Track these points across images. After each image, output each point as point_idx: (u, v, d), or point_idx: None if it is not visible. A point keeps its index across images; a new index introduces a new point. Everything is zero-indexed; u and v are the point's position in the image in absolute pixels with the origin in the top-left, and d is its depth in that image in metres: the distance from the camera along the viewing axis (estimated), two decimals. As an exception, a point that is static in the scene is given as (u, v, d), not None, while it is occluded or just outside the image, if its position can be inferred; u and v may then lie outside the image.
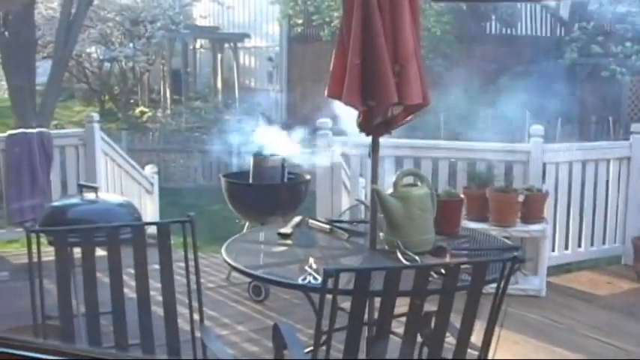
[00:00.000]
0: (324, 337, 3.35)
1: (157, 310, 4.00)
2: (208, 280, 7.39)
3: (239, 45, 24.24)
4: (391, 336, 3.44)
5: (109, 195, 7.62)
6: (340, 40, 4.21)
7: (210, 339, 4.06)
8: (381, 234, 4.30)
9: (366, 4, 4.04)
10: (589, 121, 20.13)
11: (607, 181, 7.98)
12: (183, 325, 4.10)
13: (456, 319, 3.39)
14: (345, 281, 3.30)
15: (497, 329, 3.45)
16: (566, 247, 7.87)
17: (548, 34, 22.80)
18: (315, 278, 3.66)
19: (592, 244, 8.01)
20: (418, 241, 4.13)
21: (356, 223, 5.03)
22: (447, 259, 3.96)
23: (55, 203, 6.42)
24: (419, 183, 4.34)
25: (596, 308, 6.86)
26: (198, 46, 25.87)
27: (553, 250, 7.69)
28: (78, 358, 1.57)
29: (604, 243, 8.08)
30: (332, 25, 20.02)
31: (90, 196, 5.92)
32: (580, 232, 7.91)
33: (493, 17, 22.62)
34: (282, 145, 7.11)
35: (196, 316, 4.12)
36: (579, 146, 8.34)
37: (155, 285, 4.01)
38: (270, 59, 23.47)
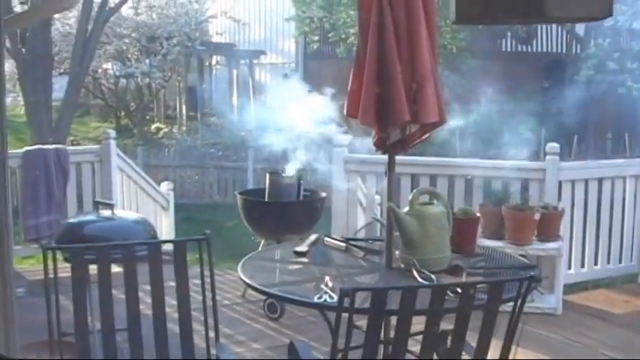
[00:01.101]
0: (340, 356, 3.35)
1: (173, 327, 4.00)
2: (224, 298, 7.38)
3: (255, 61, 24.31)
4: (407, 355, 3.43)
5: (124, 212, 7.64)
6: (357, 61, 4.22)
7: (226, 356, 4.06)
8: (397, 252, 4.29)
9: (381, 22, 4.05)
10: (605, 138, 20.10)
11: (623, 199, 7.95)
12: (198, 342, 4.10)
13: (472, 338, 3.38)
14: (361, 300, 3.30)
15: (513, 348, 3.44)
16: (583, 265, 7.84)
17: (564, 51, 22.79)
18: (331, 297, 3.65)
19: (608, 262, 7.97)
20: (434, 259, 4.12)
21: (372, 241, 5.01)
22: (463, 278, 3.95)
23: (71, 220, 6.42)
24: (435, 201, 4.33)
25: (612, 327, 6.82)
26: (214, 62, 25.94)
27: (569, 268, 7.66)
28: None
29: (620, 261, 8.04)
30: (348, 41, 20.06)
31: (106, 212, 5.93)
32: (596, 250, 7.88)
33: (509, 34, 22.62)
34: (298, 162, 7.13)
35: (212, 334, 4.12)
36: (595, 164, 8.31)
37: (171, 302, 4.01)
38: (285, 76, 23.51)
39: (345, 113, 4.29)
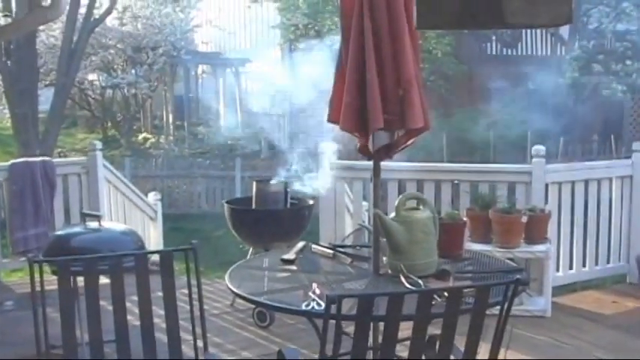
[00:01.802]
0: (328, 363, 3.35)
1: (161, 338, 3.99)
2: (212, 307, 7.38)
3: (241, 69, 24.30)
4: (396, 360, 3.43)
5: (112, 223, 7.61)
6: (339, 68, 4.24)
7: (215, 366, 4.06)
8: (385, 258, 4.30)
9: (361, 31, 4.07)
10: (591, 139, 20.14)
11: (610, 200, 7.97)
12: (187, 351, 4.10)
13: (460, 342, 3.39)
14: (349, 306, 3.31)
15: (502, 350, 3.45)
16: (571, 267, 7.85)
17: (549, 54, 22.85)
18: (318, 304, 3.66)
19: (596, 264, 7.98)
20: (421, 264, 4.13)
21: (359, 247, 5.03)
22: (451, 283, 3.96)
23: (59, 232, 6.40)
24: (421, 206, 4.34)
25: (602, 328, 6.83)
26: (200, 71, 25.93)
27: (558, 271, 7.68)
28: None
29: (608, 262, 8.06)
30: (333, 48, 20.06)
31: (93, 224, 5.91)
32: (584, 251, 7.90)
33: (494, 38, 22.68)
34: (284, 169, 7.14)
35: (200, 343, 4.12)
36: (581, 166, 8.33)
37: (159, 312, 4.01)
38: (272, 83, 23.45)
39: (326, 120, 4.30)
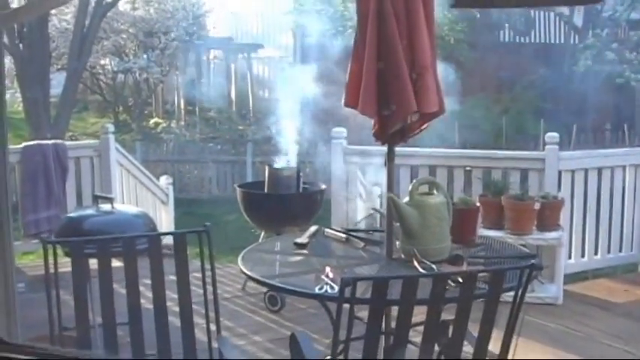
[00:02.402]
0: (341, 347, 3.35)
1: (174, 321, 3.99)
2: (224, 291, 7.38)
3: (252, 55, 24.25)
4: (409, 345, 3.42)
5: (124, 206, 7.63)
6: (355, 49, 4.22)
7: (227, 349, 4.05)
8: (398, 243, 4.29)
9: (380, 11, 4.05)
10: (604, 128, 20.09)
11: (623, 188, 7.94)
12: (200, 335, 4.10)
13: (473, 328, 3.38)
14: (362, 290, 3.30)
15: (514, 337, 3.44)
16: (583, 255, 7.83)
17: (562, 42, 22.76)
18: (331, 287, 3.65)
19: (609, 252, 7.97)
20: (434, 249, 4.12)
21: (372, 232, 5.02)
22: (464, 268, 3.95)
23: (71, 214, 6.41)
24: (435, 191, 4.33)
25: (613, 316, 6.82)
26: (211, 56, 25.88)
27: (570, 258, 7.66)
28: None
29: (620, 250, 8.04)
30: (345, 34, 20.02)
31: (105, 207, 5.91)
32: (597, 239, 7.87)
33: (507, 25, 22.60)
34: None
35: (213, 327, 4.12)
36: (595, 153, 8.30)
37: (172, 295, 4.01)
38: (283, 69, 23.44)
39: (343, 104, 4.28)
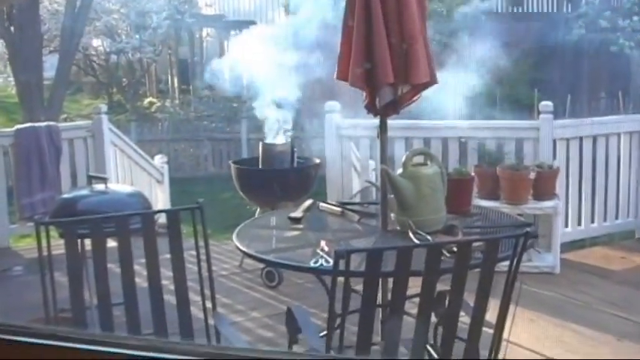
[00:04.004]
0: (338, 320, 3.34)
1: (170, 299, 3.98)
2: (221, 268, 7.37)
3: (245, 32, 24.21)
4: (405, 317, 3.42)
5: (118, 185, 7.61)
6: (345, 26, 4.21)
7: (224, 326, 4.06)
8: (392, 214, 4.28)
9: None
10: (598, 96, 20.07)
11: (618, 156, 7.93)
12: (196, 312, 4.09)
13: (469, 298, 3.37)
14: (358, 263, 3.29)
15: (512, 307, 3.43)
16: (579, 223, 7.83)
17: (555, 11, 22.70)
18: (327, 261, 3.64)
19: (605, 220, 7.96)
20: (429, 220, 4.11)
21: (367, 204, 5.01)
22: (459, 237, 3.94)
23: (65, 195, 6.38)
24: (428, 162, 4.31)
25: (610, 283, 6.83)
26: (204, 34, 25.84)
27: (566, 227, 7.65)
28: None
29: (617, 218, 8.03)
30: (338, 6, 19.97)
31: (99, 187, 5.90)
32: (593, 207, 7.87)
33: (499, -6, 22.53)
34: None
35: (209, 304, 4.11)
36: (589, 121, 8.27)
37: (167, 274, 4.00)
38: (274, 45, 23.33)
39: (335, 78, 4.27)
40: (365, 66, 4.10)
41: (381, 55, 4.04)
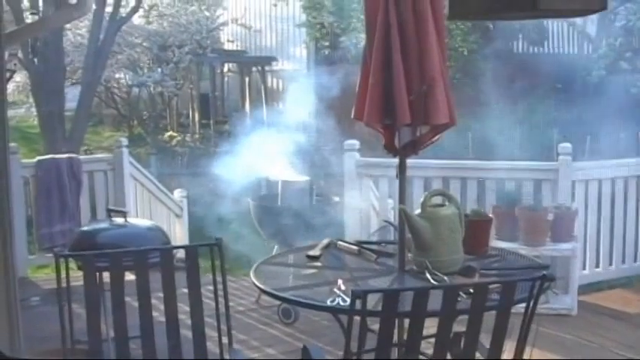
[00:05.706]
0: (354, 359, 3.34)
1: (186, 334, 4.00)
2: (238, 304, 7.38)
3: (266, 68, 24.29)
4: (421, 357, 3.42)
5: (137, 219, 7.64)
6: (364, 64, 4.23)
7: (239, 361, 4.06)
8: (410, 255, 4.29)
9: (387, 26, 4.05)
10: (618, 137, 20.01)
11: (637, 198, 7.91)
12: (212, 348, 4.10)
13: (485, 339, 3.37)
14: (375, 302, 3.30)
15: (528, 349, 3.43)
16: (597, 265, 7.81)
17: (576, 52, 22.71)
18: (344, 300, 3.65)
19: (623, 262, 7.94)
20: (447, 261, 4.11)
21: (384, 244, 5.01)
22: (476, 279, 3.94)
23: (84, 228, 6.43)
24: (447, 203, 4.32)
25: (628, 326, 6.79)
26: (225, 69, 25.93)
27: (584, 269, 7.64)
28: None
29: (635, 260, 8.00)
30: (359, 46, 20.02)
31: (119, 220, 5.94)
32: (611, 249, 7.84)
33: (520, 36, 22.56)
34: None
35: (225, 340, 4.12)
36: (608, 163, 8.26)
37: (184, 309, 4.01)
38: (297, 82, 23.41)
39: (352, 117, 4.29)
40: (381, 107, 4.12)
41: (398, 96, 4.05)
